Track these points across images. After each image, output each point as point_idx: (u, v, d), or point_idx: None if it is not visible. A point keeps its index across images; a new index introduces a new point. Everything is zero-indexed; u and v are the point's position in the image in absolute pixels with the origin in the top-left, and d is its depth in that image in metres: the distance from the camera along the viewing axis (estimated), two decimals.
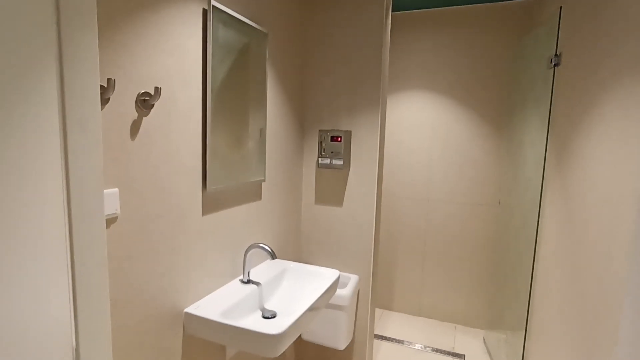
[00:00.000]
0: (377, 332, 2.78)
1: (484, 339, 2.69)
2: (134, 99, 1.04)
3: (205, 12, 1.29)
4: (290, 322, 1.24)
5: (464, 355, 2.51)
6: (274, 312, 1.50)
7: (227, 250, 1.53)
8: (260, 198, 1.75)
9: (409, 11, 2.75)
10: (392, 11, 2.77)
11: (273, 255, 1.49)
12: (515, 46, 2.50)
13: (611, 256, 1.10)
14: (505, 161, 2.51)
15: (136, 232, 1.08)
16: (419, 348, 2.58)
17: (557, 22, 1.69)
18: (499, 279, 2.44)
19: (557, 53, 1.69)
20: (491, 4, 2.55)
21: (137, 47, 1.04)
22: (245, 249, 1.62)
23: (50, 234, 0.59)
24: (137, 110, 1.05)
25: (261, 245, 1.51)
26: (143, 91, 1.06)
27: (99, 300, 0.69)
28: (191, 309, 1.30)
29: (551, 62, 1.71)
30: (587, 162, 1.32)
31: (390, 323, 2.90)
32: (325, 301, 1.59)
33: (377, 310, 3.10)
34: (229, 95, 1.43)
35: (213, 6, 1.28)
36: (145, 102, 1.07)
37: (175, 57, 1.18)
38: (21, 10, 0.53)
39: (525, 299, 1.92)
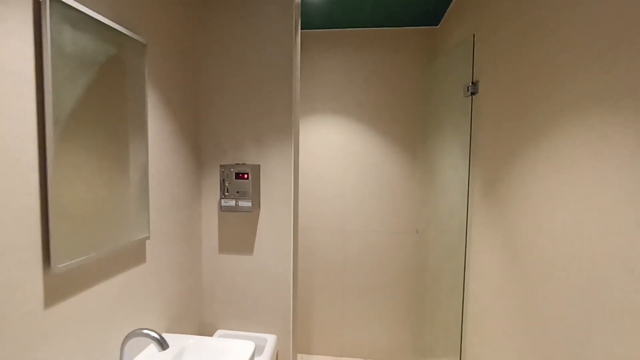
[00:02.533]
0: None
1: None
2: None
3: (39, 5, 0.86)
4: None
5: None
6: None
7: (92, 348, 1.07)
8: (144, 260, 1.31)
9: (317, 30, 2.57)
10: (309, 28, 2.55)
11: (163, 345, 1.08)
12: (426, 70, 2.47)
13: (543, 281, 0.99)
14: (423, 187, 2.43)
15: None
16: None
17: (471, 50, 1.63)
18: (426, 308, 2.33)
19: (474, 81, 1.63)
20: (398, 28, 2.50)
21: None
22: (122, 339, 1.17)
23: None
24: None
25: (145, 331, 1.09)
26: None
27: None
28: None
29: (468, 90, 1.65)
30: (513, 191, 1.23)
31: None
32: None
33: (297, 356, 2.77)
34: (89, 127, 1.00)
35: None
36: None
37: None
38: None
39: (458, 327, 1.81)
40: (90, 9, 1.02)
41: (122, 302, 1.20)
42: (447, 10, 2.21)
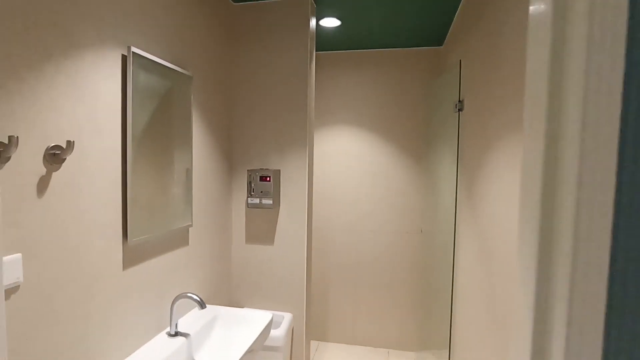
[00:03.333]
0: None
1: None
2: (42, 154, 0.96)
3: (124, 58, 1.24)
4: None
5: None
6: None
7: (152, 304, 1.44)
8: (187, 244, 1.68)
9: (334, 51, 2.91)
10: (318, 51, 2.91)
11: (202, 305, 1.43)
12: (427, 88, 2.76)
13: (501, 271, 1.25)
14: (426, 191, 2.71)
15: (42, 301, 0.97)
16: None
17: (459, 72, 1.92)
18: (427, 302, 2.59)
19: (460, 99, 1.91)
20: (405, 48, 2.81)
21: (45, 97, 0.97)
22: (172, 299, 1.53)
23: None
24: (45, 166, 0.97)
25: (189, 295, 1.45)
26: (53, 145, 0.99)
27: None
28: None
29: (456, 107, 1.93)
30: (488, 197, 1.50)
31: (327, 354, 2.90)
32: (259, 345, 1.55)
33: (313, 343, 3.08)
34: (152, 140, 1.38)
35: (133, 52, 1.25)
36: (55, 157, 0.99)
37: (91, 106, 1.11)
38: None
39: (448, 319, 2.06)
40: (156, 56, 1.41)
41: (171, 273, 1.56)
42: (447, 33, 2.50)
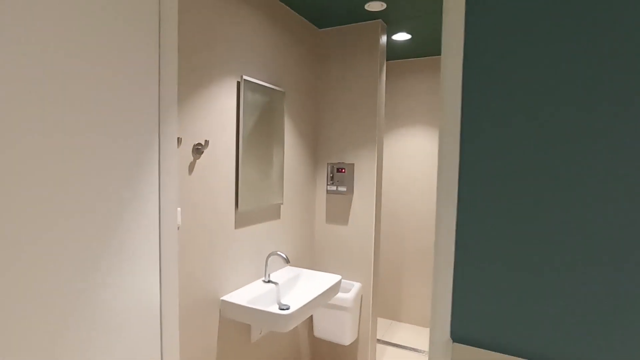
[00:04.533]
0: (384, 338, 3.13)
1: None
2: (191, 149, 1.57)
3: (238, 83, 1.82)
4: (297, 307, 1.68)
5: None
6: (288, 305, 1.94)
7: (253, 256, 2.01)
8: (279, 217, 2.22)
9: (408, 59, 3.24)
10: (392, 59, 3.26)
11: (287, 261, 1.94)
12: None
13: None
14: None
15: (190, 238, 1.58)
16: (422, 353, 2.91)
17: None
18: None
19: None
20: None
21: (195, 112, 1.57)
22: (267, 255, 2.09)
23: (149, 238, 1.09)
24: (193, 156, 1.57)
25: (278, 253, 1.98)
26: (197, 142, 1.59)
27: (173, 280, 1.18)
28: (226, 297, 1.77)
29: None
30: None
31: (398, 332, 3.24)
32: (327, 298, 2.01)
33: (386, 321, 3.44)
34: (255, 138, 1.95)
35: (244, 79, 1.81)
36: (198, 150, 1.59)
37: (218, 116, 1.71)
38: (146, 110, 1.05)
39: None
40: (259, 79, 1.97)
41: (267, 238, 2.12)
42: None
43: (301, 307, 1.70)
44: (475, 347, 0.79)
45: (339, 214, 2.53)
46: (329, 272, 2.59)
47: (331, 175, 2.46)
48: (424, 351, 2.94)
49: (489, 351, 0.78)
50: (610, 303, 0.70)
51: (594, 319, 0.71)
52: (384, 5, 2.14)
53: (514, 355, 0.77)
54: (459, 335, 0.82)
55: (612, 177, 0.70)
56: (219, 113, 1.71)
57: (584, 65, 0.72)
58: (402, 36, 2.64)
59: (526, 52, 0.76)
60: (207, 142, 1.59)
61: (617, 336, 0.70)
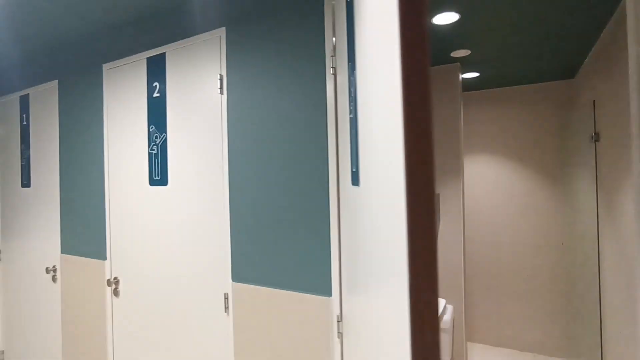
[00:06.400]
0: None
1: None
2: None
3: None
4: None
5: None
6: None
7: None
8: None
9: (478, 91, 3.49)
10: (466, 91, 3.52)
11: None
12: (559, 119, 3.12)
13: None
14: (565, 208, 3.02)
15: None
16: None
17: (593, 110, 2.32)
18: (570, 310, 2.88)
19: (596, 132, 2.30)
20: (536, 84, 3.22)
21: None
22: None
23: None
24: None
25: None
26: None
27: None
28: None
29: (592, 138, 2.32)
30: (628, 214, 1.88)
31: (474, 351, 3.35)
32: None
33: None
34: None
35: None
36: None
37: None
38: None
39: (597, 328, 2.38)
40: None
41: None
42: (579, 70, 2.86)
43: None
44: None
45: None
46: None
47: None
48: None
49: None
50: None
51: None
52: (469, 52, 2.38)
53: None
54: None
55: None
56: None
57: None
58: (472, 75, 2.89)
59: None
60: None
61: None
